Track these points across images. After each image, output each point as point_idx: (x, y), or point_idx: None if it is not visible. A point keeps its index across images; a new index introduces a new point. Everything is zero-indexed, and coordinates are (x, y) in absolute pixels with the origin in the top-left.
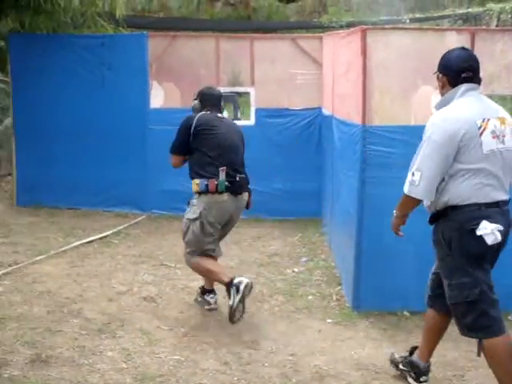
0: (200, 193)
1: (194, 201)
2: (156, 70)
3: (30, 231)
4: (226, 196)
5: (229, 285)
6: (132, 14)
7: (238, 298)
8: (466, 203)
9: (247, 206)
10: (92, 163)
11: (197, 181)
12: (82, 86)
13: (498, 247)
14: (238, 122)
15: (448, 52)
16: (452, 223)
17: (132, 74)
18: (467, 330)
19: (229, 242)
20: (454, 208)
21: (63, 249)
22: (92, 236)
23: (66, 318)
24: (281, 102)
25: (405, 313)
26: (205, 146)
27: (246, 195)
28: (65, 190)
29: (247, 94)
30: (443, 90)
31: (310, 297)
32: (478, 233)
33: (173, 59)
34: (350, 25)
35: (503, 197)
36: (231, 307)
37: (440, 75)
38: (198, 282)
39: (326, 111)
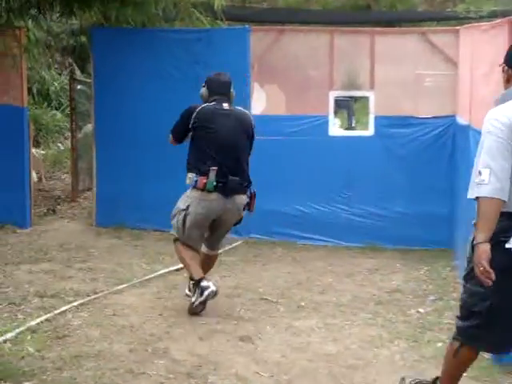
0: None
1: (188, 192)
2: (258, 70)
3: (110, 256)
4: (214, 195)
5: (196, 283)
6: (231, 5)
7: (199, 299)
8: (504, 210)
9: (249, 208)
10: (182, 178)
11: (189, 175)
12: (173, 88)
13: None
14: (352, 133)
15: None
16: None
17: (231, 74)
18: (457, 328)
19: (340, 273)
20: None
21: (148, 277)
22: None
23: (151, 358)
24: (406, 109)
25: None
26: (202, 141)
27: (241, 198)
28: (151, 208)
29: (365, 99)
30: (508, 84)
31: (438, 344)
32: (507, 246)
33: (278, 58)
34: (492, 15)
35: None
36: (192, 303)
37: (506, 68)
38: (304, 321)
39: (461, 120)
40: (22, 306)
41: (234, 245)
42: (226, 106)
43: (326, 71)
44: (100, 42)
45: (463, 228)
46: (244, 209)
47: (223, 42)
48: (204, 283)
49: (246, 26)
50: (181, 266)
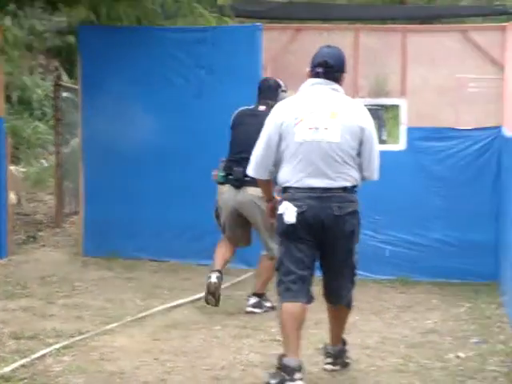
0: None
1: None
2: (272, 73)
3: (99, 290)
4: (226, 187)
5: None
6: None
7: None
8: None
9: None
10: (184, 201)
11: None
12: (173, 96)
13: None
14: (381, 147)
15: None
16: None
17: (241, 79)
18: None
19: (366, 311)
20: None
21: (142, 315)
22: (181, 298)
23: None
24: (443, 120)
25: None
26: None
27: (254, 189)
28: (147, 235)
29: (396, 107)
30: None
31: None
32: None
33: (295, 59)
34: None
35: (320, 184)
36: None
37: None
38: (318, 365)
39: (508, 132)
40: None
41: (243, 277)
42: (261, 108)
43: (350, 75)
44: (88, 43)
45: (510, 258)
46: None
47: (231, 42)
48: (209, 274)
49: (258, 23)
50: (181, 301)
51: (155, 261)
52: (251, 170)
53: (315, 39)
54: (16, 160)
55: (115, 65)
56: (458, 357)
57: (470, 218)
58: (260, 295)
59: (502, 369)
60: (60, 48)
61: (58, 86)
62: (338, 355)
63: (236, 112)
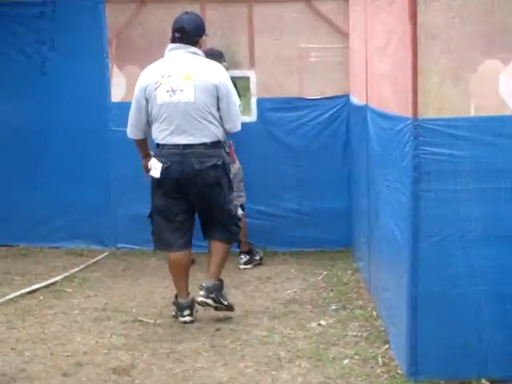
0: None
1: None
2: (117, 48)
3: None
4: None
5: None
6: None
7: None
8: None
9: None
10: (32, 182)
11: None
12: (13, 74)
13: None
14: None
15: None
16: None
17: (85, 55)
18: None
19: (226, 284)
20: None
21: None
22: (35, 283)
23: None
24: (290, 90)
25: (483, 382)
26: None
27: None
28: None
29: (245, 79)
30: None
31: (345, 361)
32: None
33: (140, 33)
34: None
35: (181, 141)
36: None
37: None
38: (188, 344)
39: (356, 100)
40: None
41: (98, 258)
42: None
43: None
44: None
45: (363, 224)
46: None
47: (73, 17)
48: None
49: None
50: (35, 286)
51: (4, 246)
52: (128, 132)
53: (160, 13)
54: None
55: None
56: (319, 325)
57: (323, 187)
58: (248, 252)
59: (363, 333)
60: None
61: None
62: (211, 289)
63: None
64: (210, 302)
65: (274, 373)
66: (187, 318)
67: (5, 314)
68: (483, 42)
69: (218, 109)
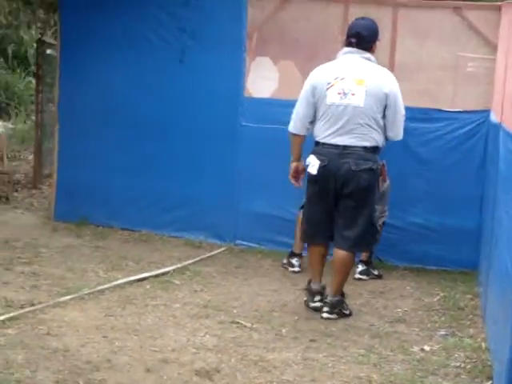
0: None
1: None
2: (257, 41)
3: (63, 258)
4: None
5: (293, 255)
6: None
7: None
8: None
9: None
10: (159, 170)
11: None
12: (151, 60)
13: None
14: None
15: None
16: None
17: (223, 46)
18: None
19: None
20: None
21: (101, 288)
22: (146, 272)
23: None
24: (426, 100)
25: None
26: None
27: None
28: (120, 203)
29: None
30: None
31: None
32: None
33: (280, 28)
34: None
35: (343, 142)
36: None
37: None
38: (279, 353)
39: (494, 117)
40: None
41: (214, 252)
42: None
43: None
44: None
45: (487, 246)
46: None
47: (217, 6)
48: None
49: None
50: (145, 274)
51: (127, 230)
52: (292, 126)
53: (304, 9)
54: (5, 116)
55: (93, 22)
56: (422, 350)
57: (453, 203)
58: (367, 262)
59: (466, 365)
60: None
61: (42, 42)
62: (336, 305)
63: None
64: (333, 317)
65: None
66: (317, 304)
67: (108, 300)
68: None
69: (384, 116)
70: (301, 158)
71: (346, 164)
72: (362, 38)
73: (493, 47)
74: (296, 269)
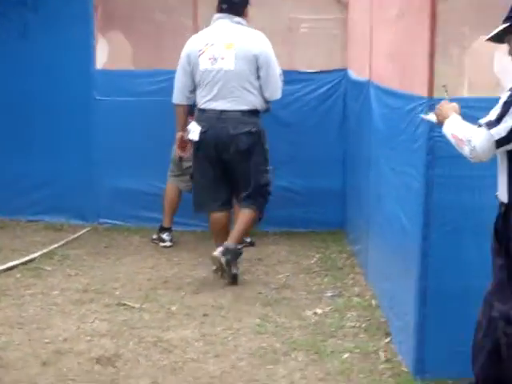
0: None
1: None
2: (102, 13)
3: None
4: None
5: (163, 230)
6: None
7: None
8: (197, 107)
9: None
10: (9, 151)
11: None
12: None
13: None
14: None
15: None
16: None
17: (69, 18)
18: None
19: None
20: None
21: None
22: (11, 260)
23: None
24: (282, 62)
25: None
26: None
27: None
28: None
29: None
30: None
31: (345, 355)
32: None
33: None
34: None
35: (220, 106)
36: None
37: None
38: (176, 332)
39: (354, 75)
40: None
41: (79, 233)
42: None
43: (189, 14)
44: None
45: (362, 205)
46: None
47: None
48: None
49: None
50: (12, 263)
51: None
52: (174, 97)
53: None
54: None
55: None
56: (315, 313)
57: (316, 165)
58: None
59: (361, 324)
60: None
61: None
62: (230, 252)
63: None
64: (222, 260)
65: (269, 367)
66: (167, 243)
67: None
68: None
69: (258, 77)
70: (186, 127)
71: (224, 128)
72: (233, 3)
73: (343, 6)
74: (167, 243)
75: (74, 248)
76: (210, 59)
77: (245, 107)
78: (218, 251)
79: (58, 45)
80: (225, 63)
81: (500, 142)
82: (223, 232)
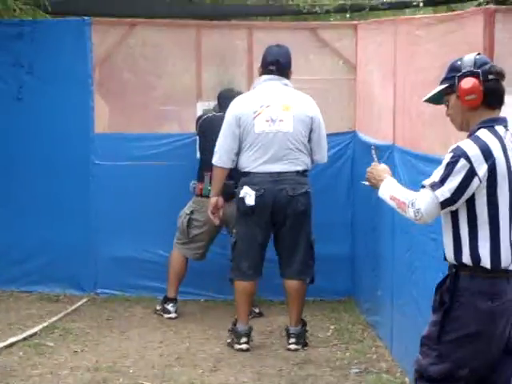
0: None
1: (193, 198)
2: (100, 76)
3: None
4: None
5: (168, 300)
6: None
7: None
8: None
9: None
10: (3, 218)
11: (192, 182)
12: None
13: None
14: None
15: None
16: None
17: (68, 82)
18: None
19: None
20: None
21: None
22: (10, 336)
23: None
24: None
25: None
26: (201, 148)
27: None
28: None
29: None
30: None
31: None
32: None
33: (127, 60)
34: (340, 9)
35: (276, 169)
36: None
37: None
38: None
39: (365, 137)
40: None
41: (76, 305)
42: None
43: (192, 76)
44: None
45: (380, 275)
46: None
47: (54, 39)
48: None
49: (86, 18)
50: (13, 339)
51: None
52: (217, 160)
53: (151, 35)
54: None
55: None
56: None
57: (324, 230)
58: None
59: None
60: None
61: None
62: (301, 335)
63: (203, 118)
64: (300, 347)
65: None
66: (243, 346)
67: None
68: None
69: (309, 140)
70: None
71: (283, 190)
72: (281, 65)
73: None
74: (173, 315)
75: (74, 321)
76: (267, 121)
77: (300, 168)
78: (293, 344)
79: (57, 107)
80: (283, 125)
81: (445, 204)
82: (250, 301)
